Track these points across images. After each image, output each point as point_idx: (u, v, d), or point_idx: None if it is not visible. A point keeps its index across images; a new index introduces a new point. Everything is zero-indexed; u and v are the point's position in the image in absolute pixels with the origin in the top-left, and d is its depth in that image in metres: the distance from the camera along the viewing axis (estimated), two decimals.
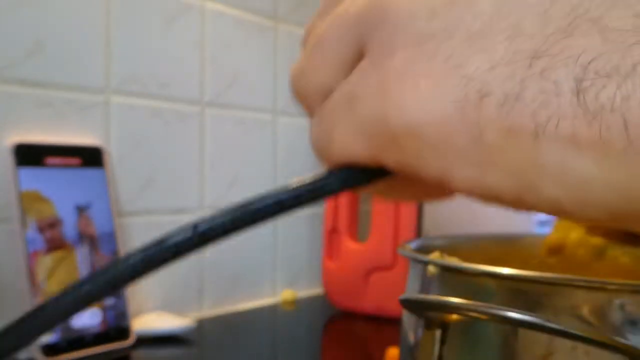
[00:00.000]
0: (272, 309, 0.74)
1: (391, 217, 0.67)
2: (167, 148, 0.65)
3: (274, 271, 0.77)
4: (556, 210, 0.14)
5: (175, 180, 0.66)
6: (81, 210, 0.55)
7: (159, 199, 0.64)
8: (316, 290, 0.80)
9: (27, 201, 0.51)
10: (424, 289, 0.30)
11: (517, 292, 0.25)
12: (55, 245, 0.52)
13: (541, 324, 0.21)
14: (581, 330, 0.21)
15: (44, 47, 0.55)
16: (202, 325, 0.64)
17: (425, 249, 0.35)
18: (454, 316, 0.25)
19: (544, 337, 0.23)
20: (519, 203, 0.15)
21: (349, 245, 0.70)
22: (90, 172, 0.56)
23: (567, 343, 0.23)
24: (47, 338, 0.50)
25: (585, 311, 0.23)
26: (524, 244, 0.41)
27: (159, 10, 0.64)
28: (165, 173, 0.65)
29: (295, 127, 0.79)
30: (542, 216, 0.60)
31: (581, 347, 0.23)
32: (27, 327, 0.16)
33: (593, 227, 0.31)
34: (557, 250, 0.32)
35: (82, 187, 0.55)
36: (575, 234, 0.32)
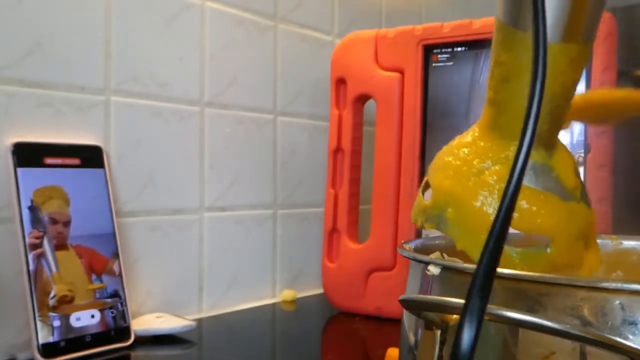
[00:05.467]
0: (272, 309, 0.74)
1: (391, 217, 0.67)
2: (166, 148, 0.65)
3: (274, 271, 0.77)
4: None
5: (175, 180, 0.66)
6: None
7: (159, 199, 0.64)
8: (316, 290, 0.80)
9: (36, 199, 0.51)
10: (424, 289, 0.30)
11: (517, 292, 0.25)
12: (59, 244, 0.52)
13: (541, 324, 0.21)
14: (581, 330, 0.21)
15: (44, 47, 0.55)
16: (202, 325, 0.64)
17: (425, 249, 0.35)
18: (454, 316, 0.25)
19: (544, 337, 0.23)
20: None
21: (349, 245, 0.70)
22: (90, 172, 0.56)
23: (567, 343, 0.23)
24: (47, 338, 0.50)
25: (585, 311, 0.23)
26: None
27: (159, 10, 0.64)
28: (165, 173, 0.65)
29: (295, 127, 0.79)
30: None
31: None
32: None
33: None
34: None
35: (81, 187, 0.55)
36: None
